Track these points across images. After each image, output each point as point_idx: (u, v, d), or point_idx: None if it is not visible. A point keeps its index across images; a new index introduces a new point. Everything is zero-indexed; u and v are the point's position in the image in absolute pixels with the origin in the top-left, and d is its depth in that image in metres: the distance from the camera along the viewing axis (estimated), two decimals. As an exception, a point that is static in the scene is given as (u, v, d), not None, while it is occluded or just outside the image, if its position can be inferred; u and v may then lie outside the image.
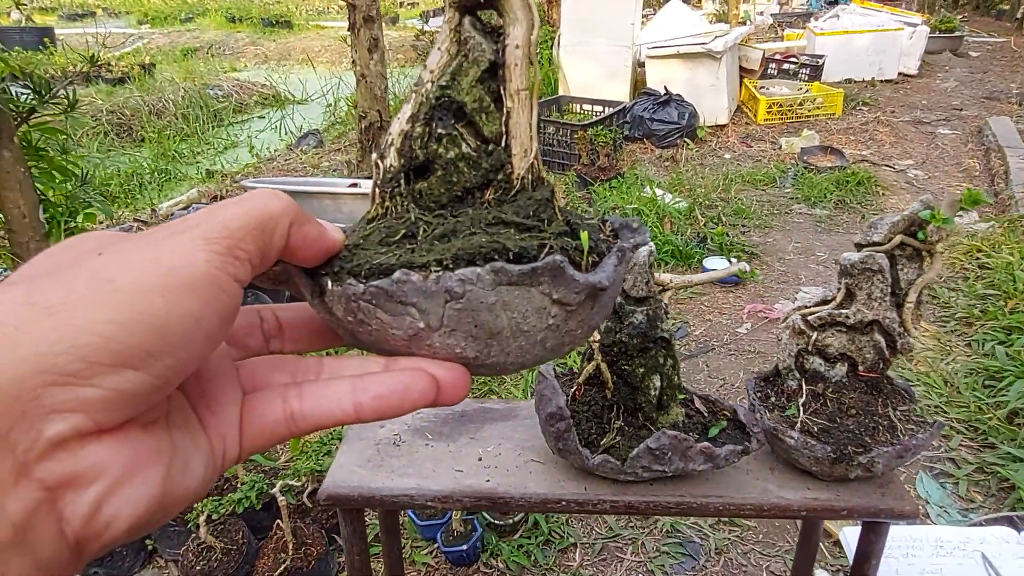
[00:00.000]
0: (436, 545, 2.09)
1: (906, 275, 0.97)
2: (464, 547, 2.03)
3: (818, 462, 1.06)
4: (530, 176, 0.41)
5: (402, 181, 0.40)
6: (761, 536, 2.17)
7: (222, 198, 5.11)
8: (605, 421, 1.07)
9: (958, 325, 3.23)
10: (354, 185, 3.56)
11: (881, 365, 1.05)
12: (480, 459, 1.17)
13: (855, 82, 7.84)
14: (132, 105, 7.24)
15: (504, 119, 0.40)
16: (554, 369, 1.15)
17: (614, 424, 1.07)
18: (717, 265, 3.78)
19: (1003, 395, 2.63)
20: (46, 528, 0.25)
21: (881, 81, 7.87)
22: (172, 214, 4.07)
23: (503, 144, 0.40)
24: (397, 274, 0.34)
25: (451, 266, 0.34)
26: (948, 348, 3.06)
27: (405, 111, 0.41)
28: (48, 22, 12.61)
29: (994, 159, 5.37)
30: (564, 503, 1.10)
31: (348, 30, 4.25)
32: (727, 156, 5.92)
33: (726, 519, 2.21)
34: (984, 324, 3.15)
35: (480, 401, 1.33)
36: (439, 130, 0.40)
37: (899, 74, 7.97)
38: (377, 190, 0.41)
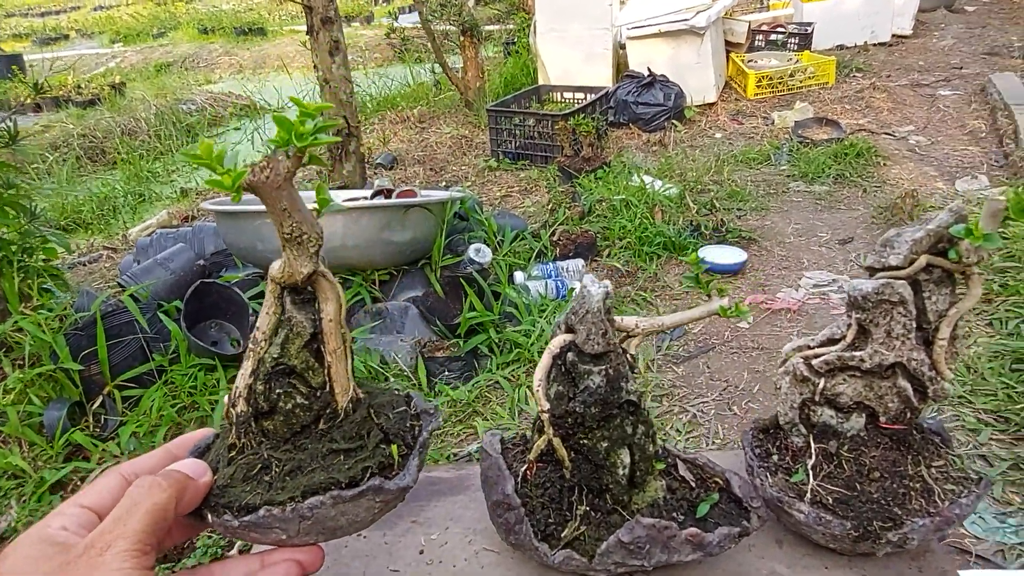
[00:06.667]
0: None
1: (935, 305, 0.75)
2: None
3: (836, 540, 0.84)
4: (350, 405, 0.59)
5: (252, 423, 0.57)
6: None
7: (194, 218, 4.91)
8: (565, 507, 0.86)
9: (977, 303, 3.00)
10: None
11: (908, 415, 0.83)
12: (422, 551, 0.96)
13: (847, 48, 7.54)
14: (103, 127, 7.02)
15: (327, 371, 0.58)
16: (501, 438, 0.94)
17: (577, 510, 0.85)
18: (713, 254, 3.55)
19: (1033, 380, 2.40)
20: None
21: (874, 44, 7.57)
22: (137, 240, 3.85)
23: (328, 388, 0.58)
24: (262, 511, 0.52)
25: (301, 499, 0.53)
26: (968, 329, 2.82)
27: (247, 367, 0.57)
28: (19, 48, 12.35)
29: (1001, 118, 5.09)
30: (523, 608, 0.88)
31: (307, 34, 4.01)
32: (718, 136, 5.66)
33: None
34: (1005, 300, 2.91)
35: (428, 470, 1.12)
36: (277, 389, 0.57)
37: (893, 36, 7.66)
38: (233, 429, 0.58)
